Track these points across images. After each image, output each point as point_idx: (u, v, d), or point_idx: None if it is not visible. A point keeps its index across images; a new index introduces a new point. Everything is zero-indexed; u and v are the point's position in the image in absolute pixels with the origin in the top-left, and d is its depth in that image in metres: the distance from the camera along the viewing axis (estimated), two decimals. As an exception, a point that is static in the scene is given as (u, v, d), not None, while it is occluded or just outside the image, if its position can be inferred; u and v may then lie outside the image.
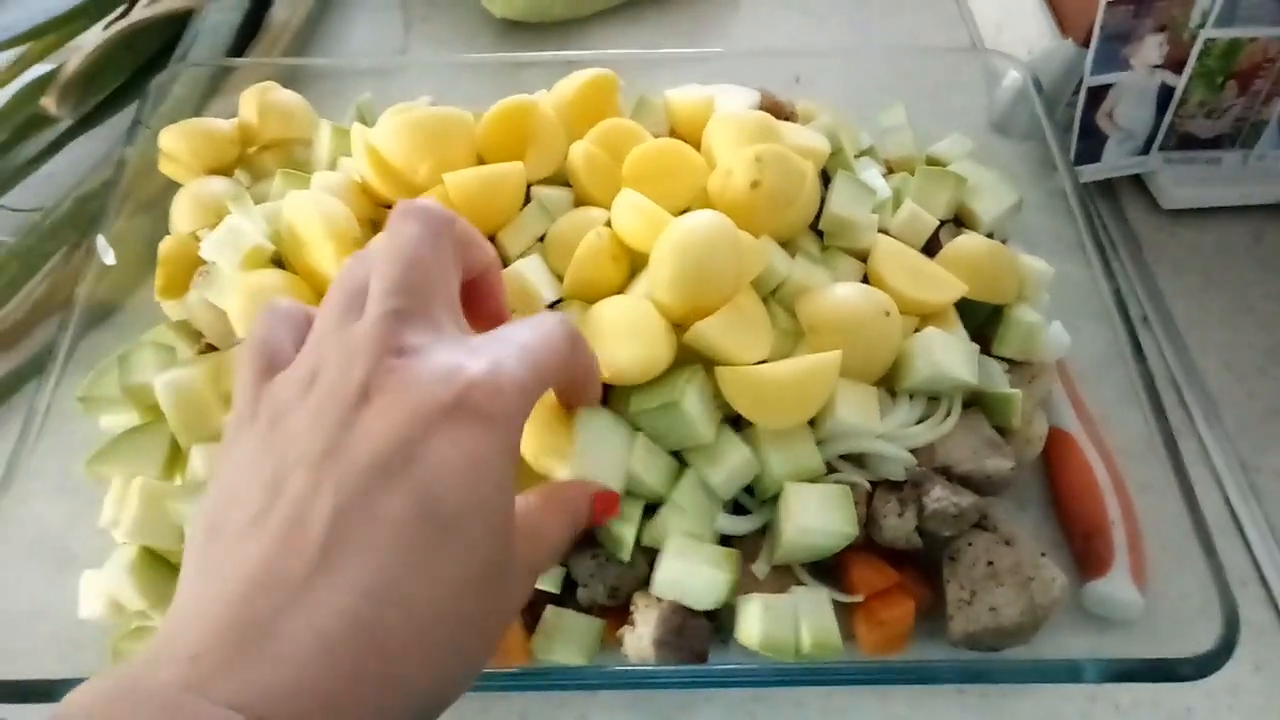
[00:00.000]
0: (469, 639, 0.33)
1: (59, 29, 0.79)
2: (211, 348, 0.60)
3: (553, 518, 0.41)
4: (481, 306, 0.44)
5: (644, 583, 0.52)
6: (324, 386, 0.34)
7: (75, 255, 0.73)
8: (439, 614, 0.32)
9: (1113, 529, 0.57)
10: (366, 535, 0.31)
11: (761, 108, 0.68)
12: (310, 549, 0.30)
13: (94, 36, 0.79)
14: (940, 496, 0.52)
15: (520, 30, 0.93)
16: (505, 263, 0.59)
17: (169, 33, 0.83)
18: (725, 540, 0.54)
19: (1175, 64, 0.72)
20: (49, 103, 0.76)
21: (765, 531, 0.54)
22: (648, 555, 0.52)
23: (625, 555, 0.51)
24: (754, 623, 0.50)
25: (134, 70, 0.82)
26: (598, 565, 0.52)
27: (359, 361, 0.34)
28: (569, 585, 0.53)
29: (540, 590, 0.52)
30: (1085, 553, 0.58)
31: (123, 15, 0.84)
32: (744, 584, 0.52)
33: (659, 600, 0.51)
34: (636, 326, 0.52)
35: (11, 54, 0.78)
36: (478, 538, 0.33)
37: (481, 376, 0.34)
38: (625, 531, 0.51)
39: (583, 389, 0.47)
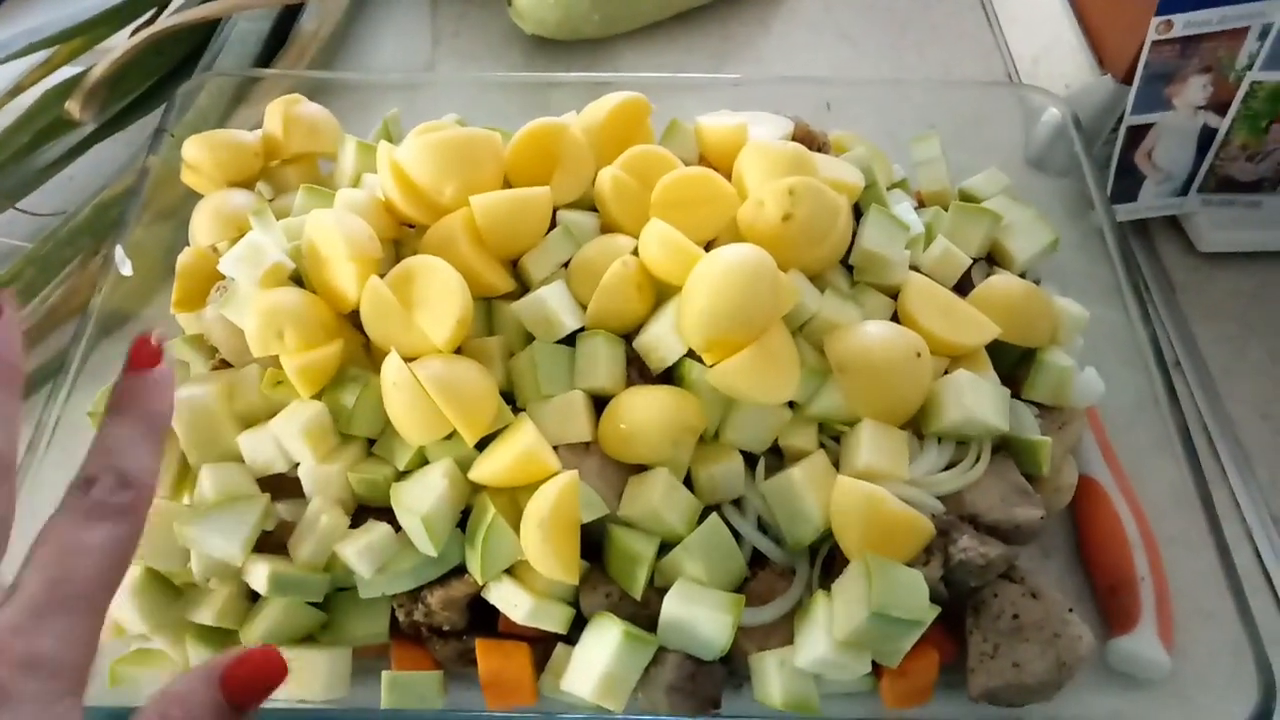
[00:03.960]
0: None
1: (86, 33, 0.79)
2: (225, 364, 0.59)
3: None
4: None
5: (657, 622, 0.51)
6: None
7: (92, 262, 0.72)
8: None
9: (1140, 584, 0.55)
10: None
11: (794, 137, 0.66)
12: None
13: (121, 41, 0.78)
14: (968, 546, 0.51)
15: (550, 47, 0.92)
16: (529, 288, 0.57)
17: (196, 40, 0.83)
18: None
19: (1219, 105, 0.71)
20: (73, 106, 0.75)
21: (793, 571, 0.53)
22: (661, 595, 0.51)
23: (637, 594, 0.50)
24: (773, 682, 0.49)
25: (160, 77, 0.81)
26: (609, 603, 0.51)
27: None
28: (579, 623, 0.51)
29: (547, 630, 0.51)
30: (1111, 607, 0.57)
31: (150, 21, 0.83)
32: (756, 635, 0.51)
33: (673, 643, 0.50)
34: (667, 433, 0.51)
35: (38, 57, 0.77)
36: None
37: None
38: (638, 570, 0.49)
39: None
